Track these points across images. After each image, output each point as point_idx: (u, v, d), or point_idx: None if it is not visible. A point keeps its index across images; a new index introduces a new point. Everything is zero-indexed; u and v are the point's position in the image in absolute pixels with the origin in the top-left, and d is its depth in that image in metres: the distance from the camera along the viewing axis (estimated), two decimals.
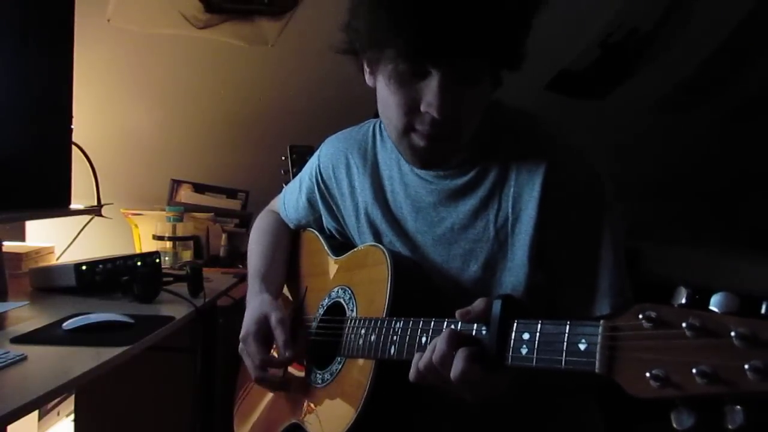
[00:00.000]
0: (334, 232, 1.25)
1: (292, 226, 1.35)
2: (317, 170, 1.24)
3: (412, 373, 0.87)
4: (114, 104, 2.40)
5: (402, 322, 0.94)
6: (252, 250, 1.32)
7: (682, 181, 3.28)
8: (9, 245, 1.88)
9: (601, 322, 0.69)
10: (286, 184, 1.44)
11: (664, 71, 2.88)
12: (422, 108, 0.92)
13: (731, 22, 2.74)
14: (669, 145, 3.17)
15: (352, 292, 1.10)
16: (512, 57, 0.95)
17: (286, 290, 1.30)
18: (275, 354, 1.16)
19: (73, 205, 1.95)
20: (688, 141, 3.17)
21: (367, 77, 1.02)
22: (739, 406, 0.57)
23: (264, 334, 1.13)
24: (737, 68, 2.97)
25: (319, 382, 1.09)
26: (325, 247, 1.22)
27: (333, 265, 1.19)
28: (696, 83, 2.97)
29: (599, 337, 0.68)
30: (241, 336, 1.16)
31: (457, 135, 0.97)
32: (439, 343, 0.83)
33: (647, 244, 2.65)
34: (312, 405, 1.10)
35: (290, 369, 1.20)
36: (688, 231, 3.17)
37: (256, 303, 1.18)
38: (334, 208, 1.22)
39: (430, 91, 0.91)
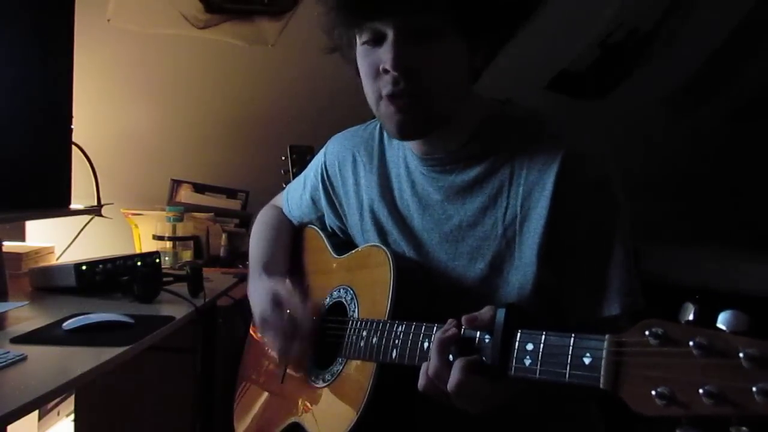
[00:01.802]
0: (337, 230, 1.25)
1: (295, 223, 1.35)
2: (323, 167, 1.24)
3: (420, 383, 0.87)
4: (114, 104, 2.40)
5: (404, 326, 0.94)
6: (254, 241, 1.32)
7: (682, 180, 3.27)
8: (9, 245, 1.88)
9: (607, 336, 0.69)
10: (286, 184, 1.44)
11: (665, 72, 2.88)
12: (381, 67, 0.94)
13: (732, 21, 2.74)
14: (669, 145, 3.17)
15: (354, 292, 1.10)
16: (477, 12, 0.94)
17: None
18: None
19: (73, 205, 1.95)
20: (689, 141, 3.17)
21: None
22: (745, 427, 0.57)
23: (281, 309, 1.12)
24: (738, 68, 2.97)
25: (320, 382, 1.09)
26: (327, 246, 1.22)
27: (335, 264, 1.19)
28: (696, 83, 2.97)
29: (604, 351, 0.68)
30: (259, 316, 1.14)
31: (426, 94, 0.95)
32: (432, 357, 0.84)
33: (647, 244, 2.65)
34: (312, 405, 1.10)
35: (290, 369, 1.20)
36: (688, 231, 3.16)
37: (259, 286, 1.18)
38: (338, 205, 1.22)
39: (385, 49, 0.93)
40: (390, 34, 0.92)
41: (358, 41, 0.97)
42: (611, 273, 0.94)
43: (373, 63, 0.95)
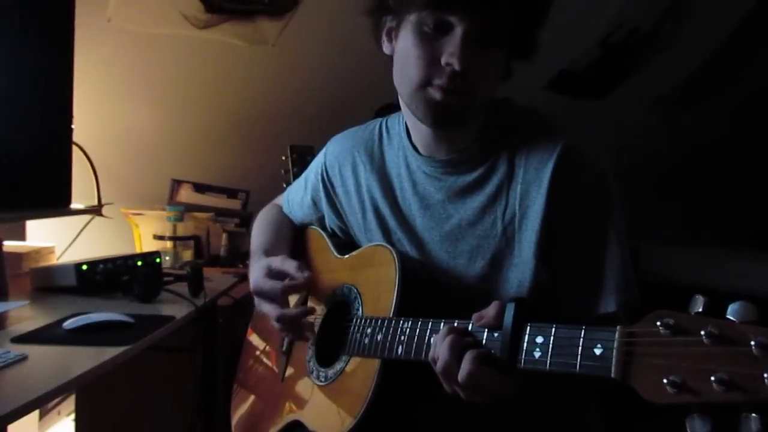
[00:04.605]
0: (337, 230, 1.25)
1: (296, 223, 1.35)
2: (323, 168, 1.24)
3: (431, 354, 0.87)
4: (114, 104, 2.40)
5: (410, 322, 0.94)
6: (255, 232, 1.32)
7: (682, 180, 3.28)
8: (9, 245, 1.88)
9: (618, 327, 0.69)
10: (286, 184, 1.44)
11: (665, 71, 2.88)
12: (443, 60, 0.94)
13: (732, 21, 2.74)
14: (669, 145, 3.17)
15: (357, 291, 1.10)
16: (526, 29, 0.97)
17: None
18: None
19: (74, 205, 1.95)
20: (689, 140, 3.17)
21: (385, 46, 1.04)
22: (755, 414, 0.58)
23: (274, 275, 1.13)
24: (738, 68, 2.97)
25: (322, 380, 1.09)
26: (330, 246, 1.22)
27: (338, 264, 1.19)
28: (696, 83, 2.97)
29: (615, 342, 0.69)
30: (253, 287, 1.15)
31: (473, 95, 0.97)
32: (441, 353, 0.84)
33: (647, 244, 2.65)
34: (314, 403, 1.10)
35: (292, 367, 1.20)
36: (688, 231, 3.17)
37: (256, 266, 1.17)
38: (339, 206, 1.23)
39: (452, 43, 0.93)
40: (460, 29, 0.93)
41: (417, 20, 0.96)
42: (607, 270, 0.95)
43: (431, 50, 0.95)
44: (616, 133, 2.84)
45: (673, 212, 3.20)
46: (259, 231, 1.32)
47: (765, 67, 2.98)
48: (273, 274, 1.13)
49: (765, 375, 0.57)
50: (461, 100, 0.97)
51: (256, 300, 1.16)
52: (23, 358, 1.12)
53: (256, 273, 1.16)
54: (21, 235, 2.24)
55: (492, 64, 0.97)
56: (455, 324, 0.87)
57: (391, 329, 0.97)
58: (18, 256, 1.87)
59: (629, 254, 0.97)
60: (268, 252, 1.22)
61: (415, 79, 0.97)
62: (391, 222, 1.12)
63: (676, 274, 2.67)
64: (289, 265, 1.12)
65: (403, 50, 0.99)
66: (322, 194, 1.25)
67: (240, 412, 1.31)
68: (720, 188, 3.37)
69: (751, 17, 2.72)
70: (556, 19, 1.91)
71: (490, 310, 0.84)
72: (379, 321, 1.00)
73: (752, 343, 0.58)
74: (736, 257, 2.83)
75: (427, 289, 1.04)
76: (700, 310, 0.64)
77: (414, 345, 0.92)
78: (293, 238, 1.32)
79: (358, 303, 1.08)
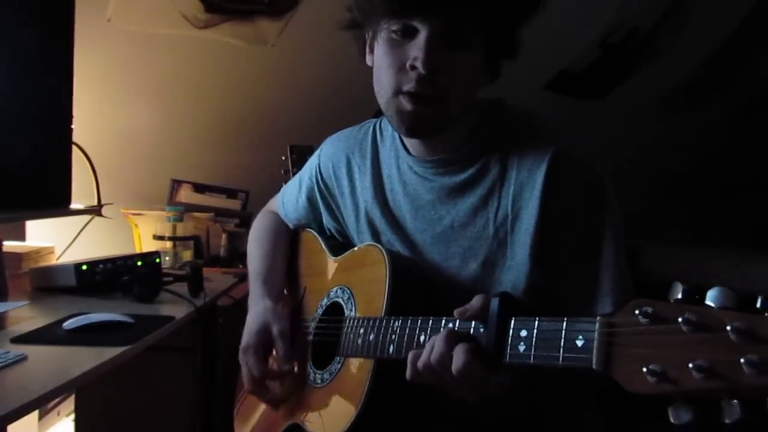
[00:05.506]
0: (334, 232, 1.25)
1: (291, 225, 1.34)
2: (317, 170, 1.24)
3: (408, 372, 0.87)
4: (114, 104, 2.40)
5: (400, 321, 0.94)
6: (252, 251, 1.32)
7: (683, 180, 3.28)
8: (9, 245, 1.88)
9: (598, 318, 0.69)
10: (285, 184, 1.44)
11: (665, 71, 2.88)
12: (408, 63, 0.93)
13: (732, 22, 2.74)
14: (669, 145, 3.17)
15: (350, 292, 1.10)
16: (502, 28, 0.96)
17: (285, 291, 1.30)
18: (275, 365, 1.15)
19: (73, 205, 1.95)
20: (689, 141, 3.17)
21: (368, 58, 1.04)
22: (735, 401, 0.57)
23: (264, 346, 1.13)
24: (738, 68, 2.97)
25: (318, 382, 1.09)
26: (324, 248, 1.22)
27: (332, 265, 1.19)
28: (696, 83, 2.97)
29: (596, 333, 0.69)
30: (242, 347, 1.15)
31: (444, 100, 0.96)
32: (437, 344, 0.83)
33: (647, 244, 2.65)
34: (311, 405, 1.10)
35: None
36: (688, 231, 3.17)
37: (258, 310, 1.17)
38: (334, 207, 1.22)
39: (416, 46, 0.93)
40: (424, 32, 0.92)
41: (386, 28, 0.96)
42: (602, 271, 0.94)
43: (399, 56, 0.95)
44: (616, 134, 2.84)
45: (674, 213, 3.20)
46: (255, 252, 1.31)
47: (766, 68, 2.98)
48: (264, 345, 1.12)
49: (742, 361, 0.56)
50: (433, 110, 0.96)
51: (241, 351, 1.15)
52: (23, 358, 1.12)
53: (251, 324, 1.15)
54: (21, 235, 2.24)
55: (464, 65, 0.95)
56: (442, 321, 0.88)
57: (382, 329, 0.96)
58: (18, 256, 1.87)
59: (625, 255, 0.97)
60: (266, 282, 1.22)
61: (387, 87, 0.97)
62: (381, 224, 1.12)
63: (677, 274, 2.67)
64: (281, 347, 1.11)
65: (377, 60, 0.99)
66: (318, 195, 1.24)
67: (242, 421, 1.31)
68: (721, 189, 3.37)
69: (751, 17, 2.72)
70: (556, 20, 1.92)
71: (474, 303, 0.84)
72: (371, 321, 1.00)
73: (728, 328, 0.58)
74: (736, 258, 2.83)
75: (419, 288, 1.04)
76: (679, 297, 0.63)
77: (404, 344, 0.92)
78: (289, 254, 1.32)
79: (352, 304, 1.08)
